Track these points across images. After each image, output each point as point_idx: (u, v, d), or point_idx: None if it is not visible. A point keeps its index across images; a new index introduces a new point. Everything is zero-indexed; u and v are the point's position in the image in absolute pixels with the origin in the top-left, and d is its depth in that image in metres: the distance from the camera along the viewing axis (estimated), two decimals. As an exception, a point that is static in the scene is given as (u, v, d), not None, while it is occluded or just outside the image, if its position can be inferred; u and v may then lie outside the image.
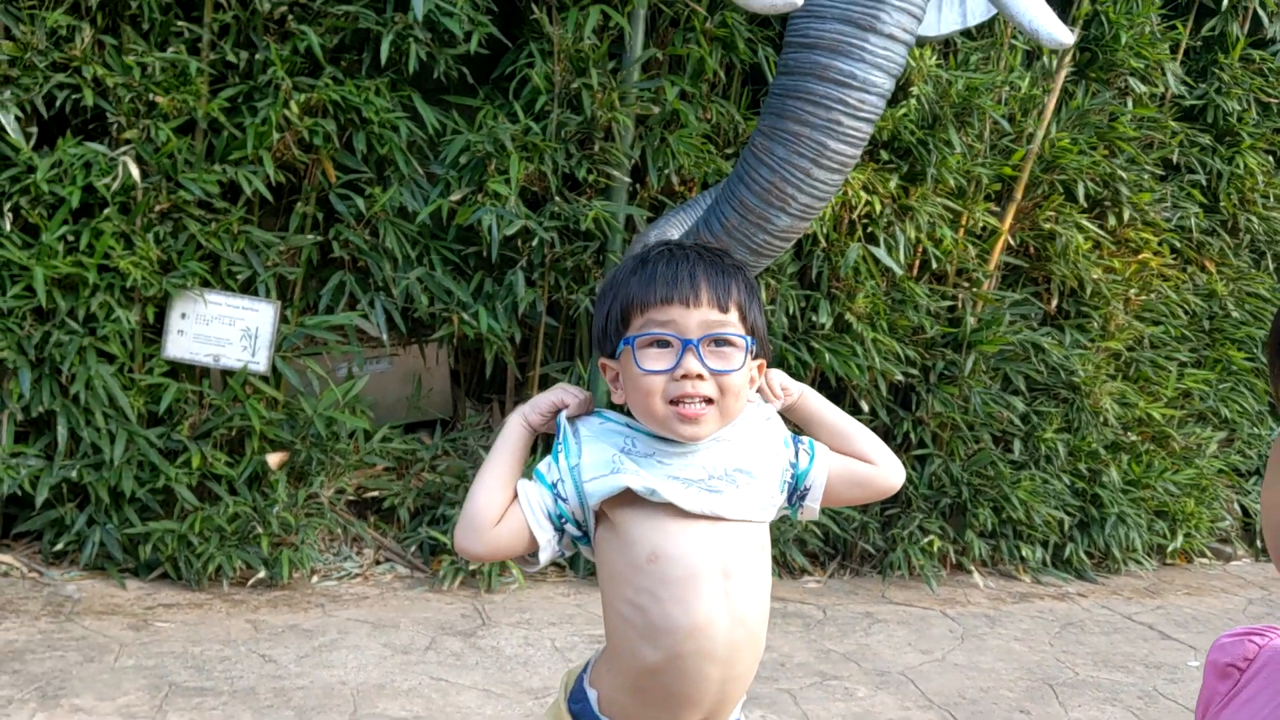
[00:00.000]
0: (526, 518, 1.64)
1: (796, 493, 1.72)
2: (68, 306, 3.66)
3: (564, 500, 1.64)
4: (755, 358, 1.62)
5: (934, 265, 4.58)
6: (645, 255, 1.63)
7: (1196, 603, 4.87)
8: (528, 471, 1.69)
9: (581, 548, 1.71)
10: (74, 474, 3.70)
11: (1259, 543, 5.80)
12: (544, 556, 1.67)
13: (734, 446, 1.64)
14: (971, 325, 4.59)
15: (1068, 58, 4.69)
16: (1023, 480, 4.66)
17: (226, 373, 3.93)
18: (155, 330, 3.86)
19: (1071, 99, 4.76)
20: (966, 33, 4.46)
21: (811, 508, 1.73)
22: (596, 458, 1.62)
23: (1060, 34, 3.15)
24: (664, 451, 1.61)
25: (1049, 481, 4.75)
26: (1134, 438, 5.02)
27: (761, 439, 1.68)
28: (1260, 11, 5.16)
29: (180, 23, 3.75)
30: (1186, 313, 5.18)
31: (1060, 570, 4.93)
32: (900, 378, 4.51)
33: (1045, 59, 4.69)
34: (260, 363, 3.91)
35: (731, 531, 1.61)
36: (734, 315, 1.58)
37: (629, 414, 1.68)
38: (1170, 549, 5.26)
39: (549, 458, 1.67)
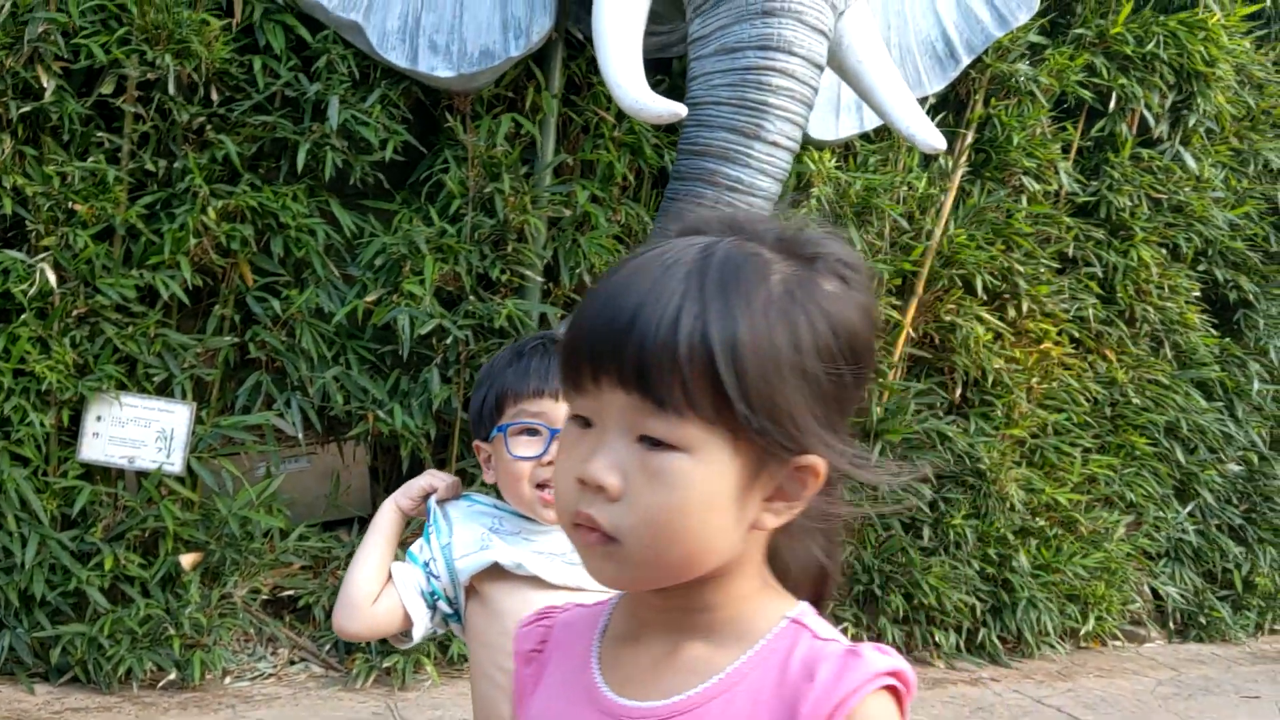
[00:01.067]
0: (401, 596, 1.77)
1: None
2: (-19, 410, 3.69)
3: (436, 578, 1.78)
4: None
5: (841, 358, 4.73)
6: (520, 348, 1.79)
7: (1107, 684, 4.98)
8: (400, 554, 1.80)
9: (452, 625, 1.83)
10: (-16, 578, 3.70)
11: (1170, 624, 5.95)
12: (418, 633, 1.81)
13: None
14: (878, 415, 4.73)
15: (963, 158, 4.94)
16: (933, 566, 4.77)
17: (141, 474, 3.96)
18: (70, 433, 3.89)
19: (968, 197, 4.99)
20: (865, 136, 4.68)
21: None
22: (467, 536, 1.77)
23: (934, 139, 3.36)
24: (529, 529, 1.78)
25: (958, 567, 4.87)
26: (1042, 523, 5.17)
27: None
28: (1146, 114, 5.45)
29: (100, 133, 3.86)
30: (1088, 400, 5.37)
31: (974, 655, 5.02)
32: (811, 467, 4.62)
33: (942, 160, 4.93)
34: (175, 464, 3.94)
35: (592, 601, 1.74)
36: None
37: (497, 494, 1.81)
38: (1083, 632, 5.38)
39: (420, 539, 1.82)
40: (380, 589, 1.77)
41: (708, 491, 0.89)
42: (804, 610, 0.99)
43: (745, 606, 0.98)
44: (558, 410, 1.70)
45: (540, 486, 1.72)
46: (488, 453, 1.80)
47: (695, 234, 0.94)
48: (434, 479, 1.85)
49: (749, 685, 0.94)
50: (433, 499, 1.82)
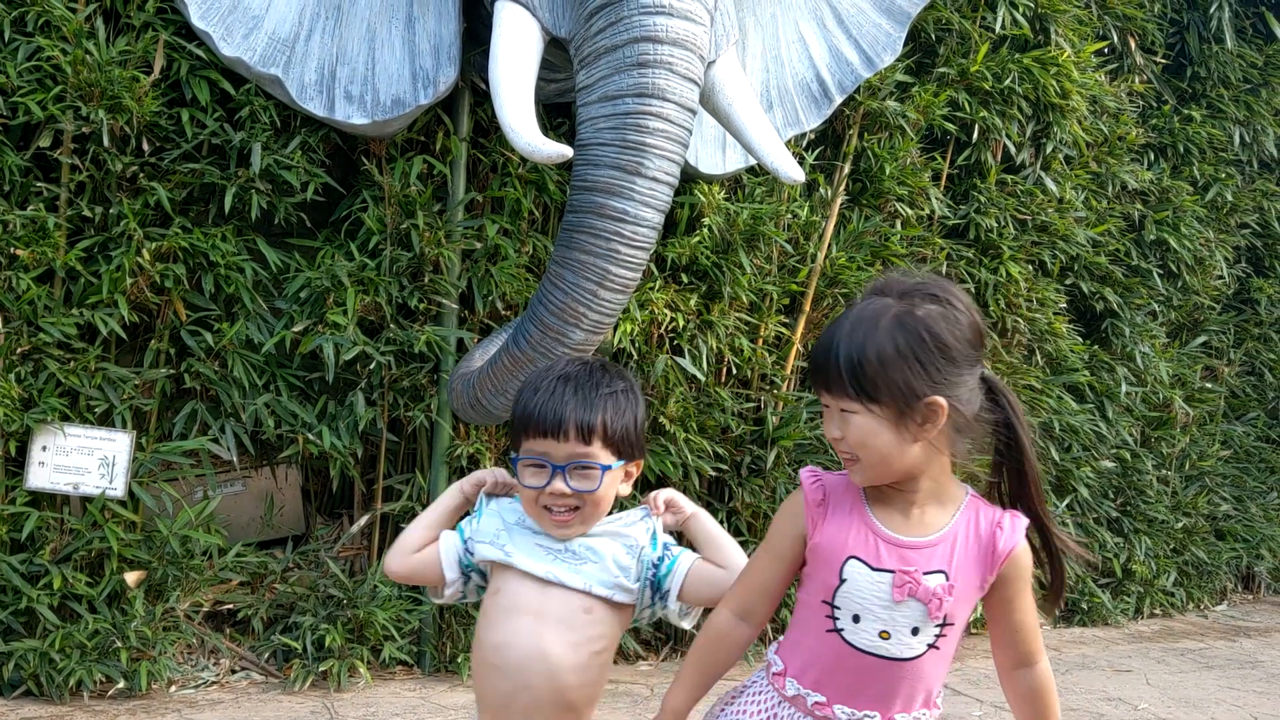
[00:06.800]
0: (440, 555, 2.16)
1: (659, 591, 2.12)
2: (-68, 444, 3.95)
3: (470, 554, 2.16)
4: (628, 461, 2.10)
5: (736, 372, 5.16)
6: (536, 382, 2.08)
7: (992, 664, 5.40)
8: None
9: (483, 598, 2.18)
10: (-62, 601, 3.95)
11: (1056, 611, 6.41)
12: (447, 591, 2.19)
13: (594, 537, 2.11)
14: (773, 424, 5.16)
15: (842, 188, 5.40)
16: (829, 561, 5.17)
17: (86, 499, 4.23)
18: (17, 463, 4.16)
19: (848, 223, 5.45)
20: (751, 170, 5.11)
21: (671, 608, 2.13)
22: (489, 526, 2.14)
23: (794, 172, 3.79)
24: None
25: (853, 561, 5.28)
26: (929, 518, 5.60)
27: (621, 534, 2.14)
28: (1008, 143, 5.98)
29: (39, 183, 4.14)
30: (967, 405, 5.83)
31: (871, 642, 5.43)
32: (712, 473, 5.03)
33: (822, 190, 5.39)
34: (118, 489, 4.22)
35: (563, 595, 2.07)
36: (596, 445, 2.04)
37: None
38: (972, 619, 5.82)
39: (468, 518, 2.20)
40: (425, 545, 2.16)
41: (869, 429, 1.74)
42: (971, 490, 1.85)
43: (941, 488, 1.81)
44: (558, 449, 2.01)
45: (546, 509, 2.04)
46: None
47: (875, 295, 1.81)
48: (488, 474, 2.22)
49: (961, 531, 1.79)
50: (482, 490, 2.21)
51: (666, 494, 2.21)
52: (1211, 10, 7.06)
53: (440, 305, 4.60)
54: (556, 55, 3.90)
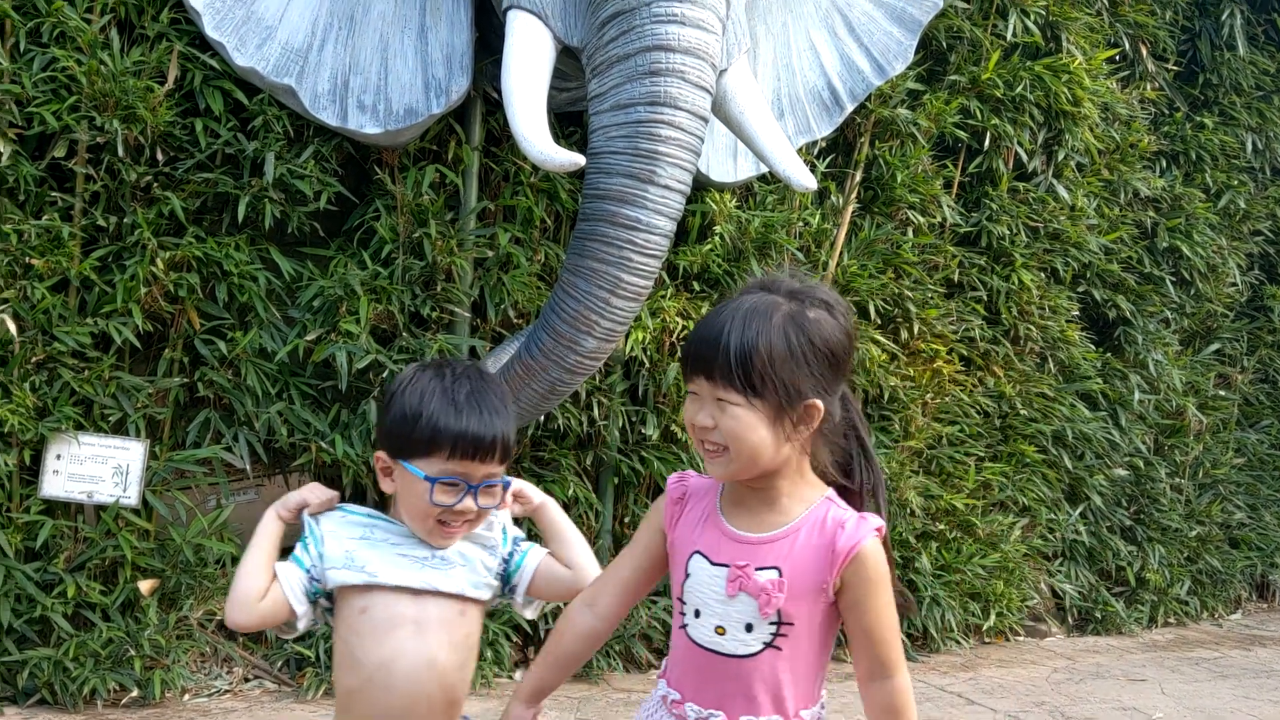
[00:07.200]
0: (286, 594, 2.02)
1: (508, 585, 2.12)
2: (-53, 453, 3.96)
3: (317, 580, 2.04)
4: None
5: (748, 380, 5.15)
6: (454, 395, 1.98)
7: (1006, 673, 5.40)
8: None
9: (330, 619, 2.09)
10: (-47, 609, 3.96)
11: (1069, 620, 6.39)
12: (300, 625, 2.07)
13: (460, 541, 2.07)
14: (785, 432, 5.14)
15: (853, 195, 5.40)
16: (842, 569, 5.16)
17: (99, 508, 4.24)
18: (32, 471, 4.17)
19: (860, 231, 5.45)
20: (762, 178, 5.12)
21: (517, 600, 2.13)
22: (334, 550, 2.02)
23: (806, 180, 3.80)
24: (398, 536, 2.04)
25: (865, 569, 5.27)
26: (941, 527, 5.60)
27: (480, 535, 2.11)
28: (1020, 150, 5.97)
29: (54, 193, 4.16)
30: (979, 412, 5.83)
31: (884, 651, 5.41)
32: (724, 481, 5.01)
33: (834, 197, 5.39)
34: (131, 497, 4.24)
35: (439, 601, 2.03)
36: (505, 461, 2.01)
37: (379, 501, 2.11)
38: (985, 627, 5.81)
39: (301, 544, 2.06)
40: (267, 587, 2.01)
41: (747, 423, 1.72)
42: (831, 493, 1.82)
43: (796, 488, 1.80)
44: (479, 469, 1.97)
45: (441, 522, 1.99)
46: (388, 465, 2.03)
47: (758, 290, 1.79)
48: (308, 494, 2.09)
49: (804, 529, 1.76)
50: (305, 512, 2.06)
51: (515, 484, 2.17)
52: (1223, 17, 7.06)
53: (452, 314, 4.61)
54: (568, 64, 3.92)
